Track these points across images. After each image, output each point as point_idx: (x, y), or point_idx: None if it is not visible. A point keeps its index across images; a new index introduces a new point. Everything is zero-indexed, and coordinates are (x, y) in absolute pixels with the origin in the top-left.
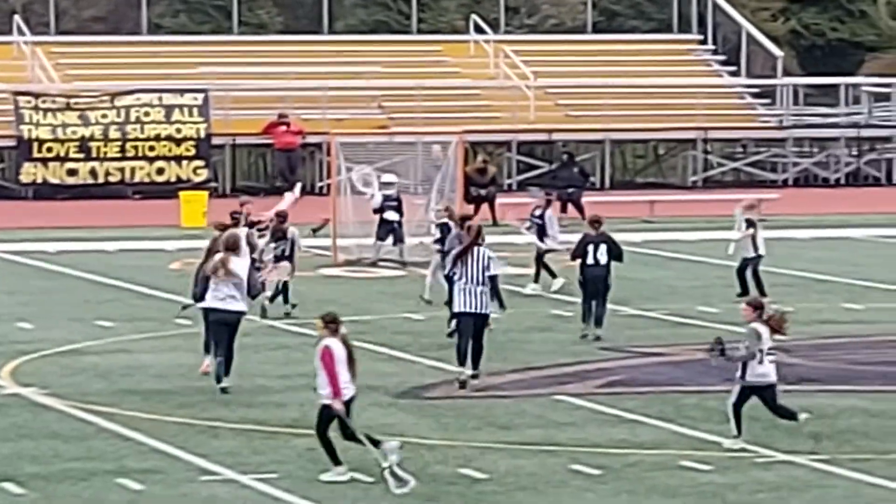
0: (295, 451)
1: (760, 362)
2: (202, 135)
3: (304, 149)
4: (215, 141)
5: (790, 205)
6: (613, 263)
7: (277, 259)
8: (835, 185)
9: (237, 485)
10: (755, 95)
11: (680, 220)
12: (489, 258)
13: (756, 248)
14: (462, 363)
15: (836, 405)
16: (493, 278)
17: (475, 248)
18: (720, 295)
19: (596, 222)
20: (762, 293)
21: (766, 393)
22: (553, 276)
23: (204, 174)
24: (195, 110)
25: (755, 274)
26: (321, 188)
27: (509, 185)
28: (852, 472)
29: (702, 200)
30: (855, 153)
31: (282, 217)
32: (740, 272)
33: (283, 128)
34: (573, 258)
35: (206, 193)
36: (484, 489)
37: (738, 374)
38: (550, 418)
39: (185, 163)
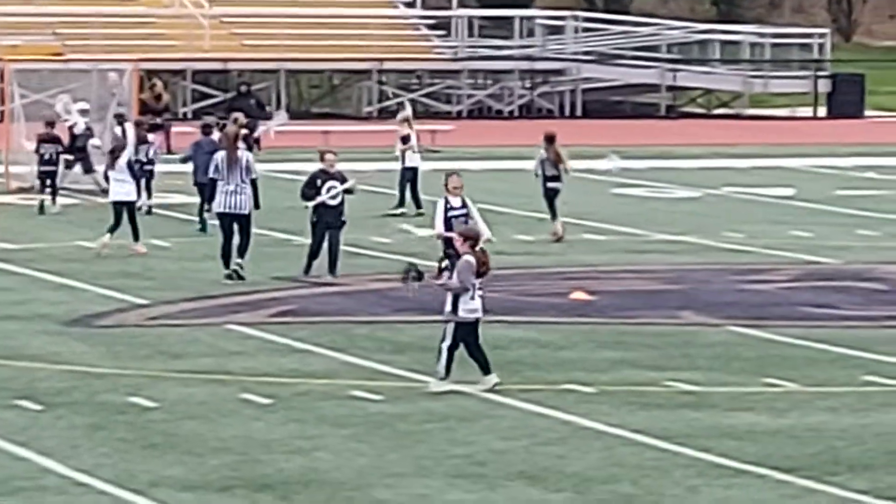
0: None
1: (472, 297)
2: None
3: None
4: None
5: (464, 136)
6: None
7: None
8: (508, 118)
9: None
10: (430, 27)
11: (355, 151)
12: (248, 160)
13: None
14: (226, 263)
15: (507, 336)
16: (253, 181)
17: (237, 153)
18: (393, 225)
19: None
20: (418, 206)
21: (474, 328)
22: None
23: None
24: None
25: (413, 187)
26: None
27: (184, 114)
28: (521, 402)
29: (377, 131)
30: (528, 86)
31: None
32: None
33: None
34: (304, 197)
35: None
36: (153, 418)
37: (449, 309)
38: (222, 347)
39: None
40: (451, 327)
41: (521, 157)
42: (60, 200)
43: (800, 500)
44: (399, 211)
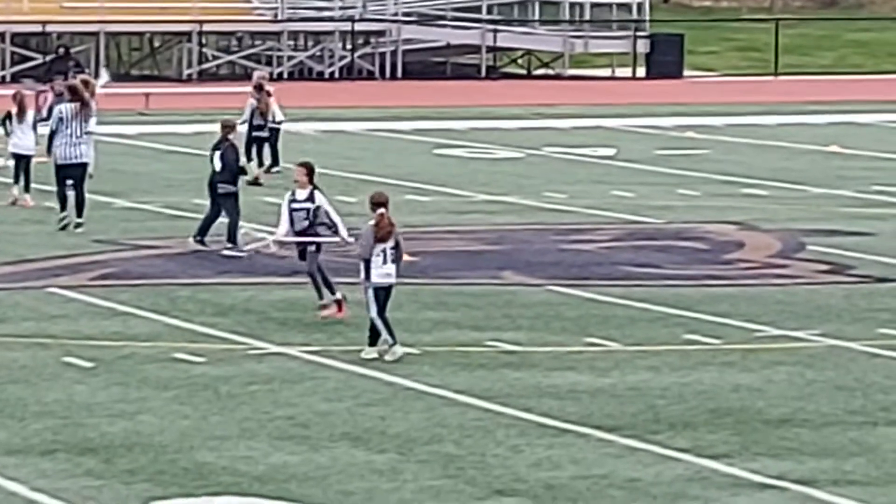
0: None
1: (384, 262)
2: None
3: None
4: None
5: (285, 98)
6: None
7: None
8: (329, 79)
9: None
10: None
11: (175, 113)
12: (91, 117)
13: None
14: (63, 208)
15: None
16: (89, 133)
17: (76, 105)
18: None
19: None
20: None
21: (386, 293)
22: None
23: None
24: None
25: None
26: None
27: (2, 77)
28: (344, 363)
29: (197, 93)
30: (349, 47)
31: None
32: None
33: None
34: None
35: None
36: None
37: (363, 276)
38: (43, 311)
39: None
40: (370, 294)
41: (342, 119)
42: None
43: (622, 459)
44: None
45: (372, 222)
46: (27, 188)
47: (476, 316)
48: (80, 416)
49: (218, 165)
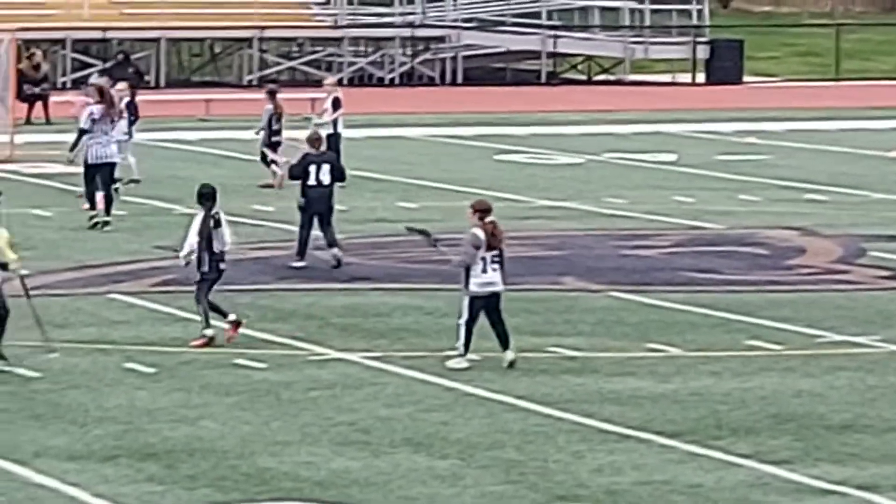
0: None
1: (484, 270)
2: None
3: None
4: None
5: (346, 104)
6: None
7: None
8: (389, 85)
9: None
10: None
11: (235, 119)
12: (118, 120)
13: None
14: (93, 206)
15: (390, 303)
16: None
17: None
18: (273, 193)
19: (317, 140)
20: None
21: (490, 302)
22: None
23: None
24: None
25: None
26: None
27: (63, 84)
28: (405, 369)
29: (257, 99)
30: (409, 53)
31: None
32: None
33: None
34: (293, 178)
35: None
36: (37, 387)
37: (462, 283)
38: (105, 316)
39: None
40: (465, 302)
41: (402, 125)
42: None
43: (683, 465)
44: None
45: (477, 230)
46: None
47: (537, 321)
48: (142, 421)
49: (327, 179)
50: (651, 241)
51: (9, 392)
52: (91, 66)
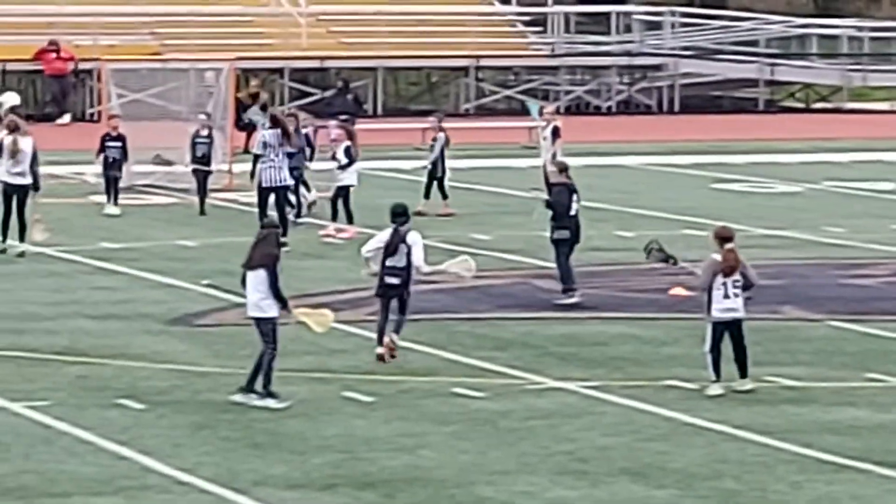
0: (66, 379)
1: (726, 296)
2: None
3: (75, 76)
4: None
5: (563, 132)
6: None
7: None
8: (607, 113)
9: (8, 412)
10: (527, 24)
11: (452, 148)
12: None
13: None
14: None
15: (608, 332)
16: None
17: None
18: (492, 222)
19: (566, 170)
20: None
21: (732, 328)
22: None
23: None
24: None
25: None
26: (92, 115)
27: (282, 113)
28: (623, 398)
29: (474, 128)
30: (626, 81)
31: None
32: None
33: (54, 54)
34: (551, 208)
35: None
36: (256, 416)
37: (705, 310)
38: (323, 345)
39: None
40: (708, 329)
41: (620, 153)
42: (159, 199)
43: None
44: None
45: (717, 256)
46: (334, 217)
47: (756, 350)
48: (360, 450)
49: (575, 208)
50: (870, 270)
51: (228, 420)
52: (309, 94)
